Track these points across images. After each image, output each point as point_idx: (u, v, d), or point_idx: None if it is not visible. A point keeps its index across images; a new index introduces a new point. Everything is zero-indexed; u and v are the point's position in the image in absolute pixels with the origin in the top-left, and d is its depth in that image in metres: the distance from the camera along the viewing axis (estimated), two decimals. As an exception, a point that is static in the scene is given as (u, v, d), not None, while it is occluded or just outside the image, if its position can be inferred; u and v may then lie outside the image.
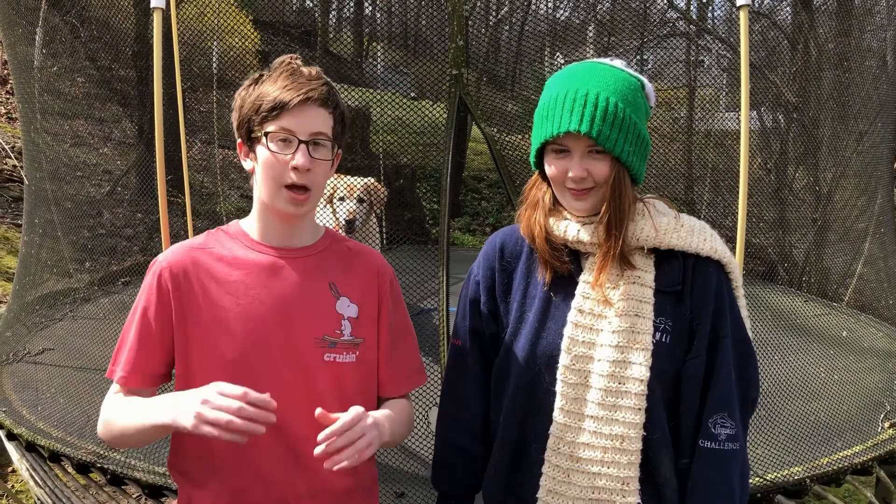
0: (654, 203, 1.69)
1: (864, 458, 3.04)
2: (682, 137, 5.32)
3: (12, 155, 7.42)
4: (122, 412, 1.61)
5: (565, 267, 1.65)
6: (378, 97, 4.71)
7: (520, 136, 3.51)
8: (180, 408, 1.45)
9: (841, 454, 3.06)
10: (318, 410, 1.48)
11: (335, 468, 1.45)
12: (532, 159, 1.70)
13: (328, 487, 1.70)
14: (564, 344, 1.62)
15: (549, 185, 1.68)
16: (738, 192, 2.93)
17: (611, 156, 1.57)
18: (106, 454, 3.06)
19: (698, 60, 5.42)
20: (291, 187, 1.60)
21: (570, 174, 1.58)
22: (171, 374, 1.64)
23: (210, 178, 4.82)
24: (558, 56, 4.53)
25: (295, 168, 1.58)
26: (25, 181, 4.76)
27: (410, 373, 1.79)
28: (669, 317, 1.60)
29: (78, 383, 3.53)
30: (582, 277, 1.64)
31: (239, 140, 1.66)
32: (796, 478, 2.88)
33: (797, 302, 4.75)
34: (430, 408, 2.89)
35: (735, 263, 1.66)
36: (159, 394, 1.68)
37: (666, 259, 1.62)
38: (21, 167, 5.04)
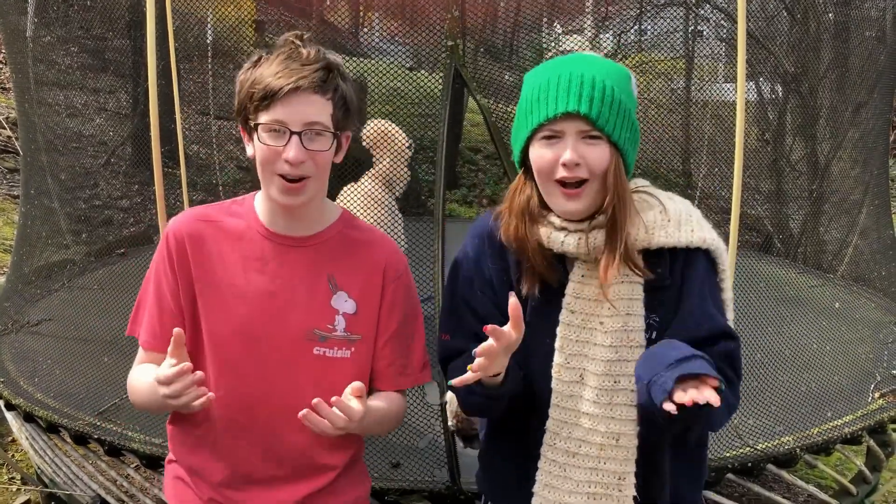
0: (637, 192, 1.64)
1: (855, 428, 3.07)
2: (680, 108, 5.30)
3: (7, 126, 7.38)
4: (139, 387, 1.67)
5: (555, 278, 1.62)
6: (374, 66, 4.68)
7: (515, 108, 3.48)
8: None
9: (831, 424, 3.10)
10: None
11: (301, 415, 1.49)
12: (516, 157, 1.63)
13: (307, 475, 1.71)
14: (558, 343, 1.62)
15: (533, 188, 1.61)
16: (735, 163, 2.93)
17: (606, 142, 1.52)
18: (103, 425, 3.08)
19: (697, 30, 5.38)
20: (285, 177, 1.56)
21: (561, 160, 1.51)
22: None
23: (206, 150, 4.81)
24: (556, 25, 4.50)
25: (287, 161, 1.53)
26: (20, 152, 4.75)
27: (410, 370, 1.76)
28: (657, 312, 1.60)
29: (75, 355, 3.55)
30: (571, 277, 1.62)
31: (240, 126, 1.62)
32: (787, 448, 2.91)
33: (791, 273, 4.77)
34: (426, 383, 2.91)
35: (723, 248, 1.63)
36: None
37: (653, 253, 1.60)
38: (16, 138, 5.02)
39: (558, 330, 1.62)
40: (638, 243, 1.58)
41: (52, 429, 3.23)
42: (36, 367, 3.65)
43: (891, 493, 4.38)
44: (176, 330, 1.47)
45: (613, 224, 1.55)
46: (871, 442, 3.24)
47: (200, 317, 1.64)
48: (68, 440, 3.24)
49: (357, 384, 1.53)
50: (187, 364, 1.45)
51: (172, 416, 1.77)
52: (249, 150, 1.63)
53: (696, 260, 1.60)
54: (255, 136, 1.57)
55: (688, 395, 1.35)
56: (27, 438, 3.56)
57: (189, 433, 1.74)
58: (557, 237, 1.59)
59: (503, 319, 1.52)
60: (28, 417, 3.33)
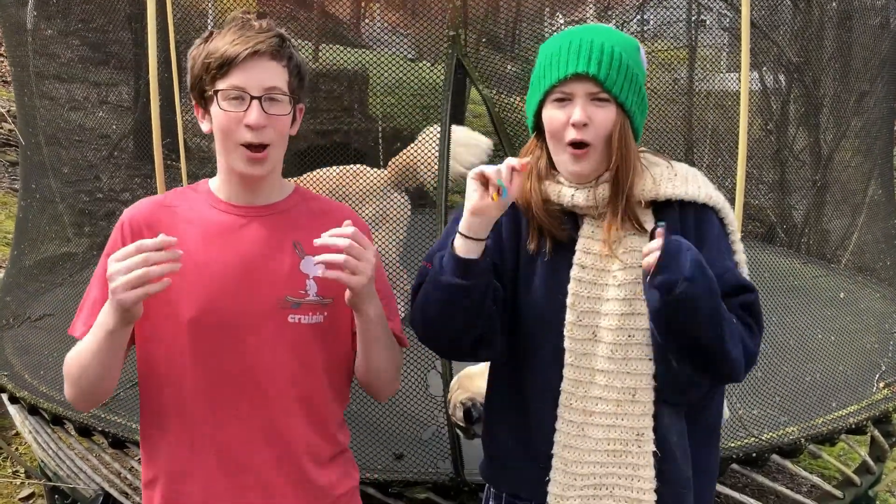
0: (645, 155, 1.69)
1: (859, 418, 3.07)
2: (683, 98, 5.28)
3: (9, 119, 7.37)
4: (76, 350, 1.61)
5: (565, 234, 1.64)
6: (376, 58, 4.66)
7: (518, 98, 3.47)
8: (106, 307, 1.47)
9: (836, 414, 3.09)
10: (347, 221, 1.52)
11: (318, 261, 1.49)
12: (529, 121, 1.68)
13: (293, 453, 1.67)
14: (569, 300, 1.62)
15: (544, 150, 1.66)
16: (738, 154, 2.92)
17: (615, 104, 1.57)
18: (107, 417, 3.08)
19: (699, 20, 5.36)
20: (248, 146, 1.56)
21: (572, 119, 1.56)
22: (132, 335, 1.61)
23: (207, 142, 4.80)
24: (559, 16, 4.48)
25: (249, 126, 1.53)
26: (22, 142, 4.74)
27: (394, 328, 1.75)
28: None
29: (78, 347, 3.54)
30: (581, 233, 1.64)
31: (195, 102, 1.61)
32: (791, 437, 2.91)
33: (796, 263, 4.76)
34: (427, 371, 2.91)
35: (729, 208, 1.66)
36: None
37: (661, 208, 1.62)
38: (17, 130, 5.02)
39: (570, 287, 1.63)
40: (646, 193, 1.61)
41: (56, 421, 3.24)
42: (40, 361, 3.65)
43: (894, 482, 4.38)
44: (160, 235, 1.45)
45: (616, 179, 1.59)
46: (876, 432, 3.23)
47: (166, 302, 1.59)
48: (72, 432, 3.24)
49: (347, 222, 1.53)
50: (172, 239, 1.43)
51: (146, 422, 1.72)
52: (205, 126, 1.63)
53: (708, 218, 1.63)
54: (214, 106, 1.57)
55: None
56: (30, 432, 3.56)
57: (169, 432, 1.68)
58: (567, 192, 1.63)
59: (501, 265, 1.64)
60: (32, 410, 3.34)
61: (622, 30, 4.86)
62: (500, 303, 1.65)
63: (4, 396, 3.56)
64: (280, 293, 1.63)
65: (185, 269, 1.55)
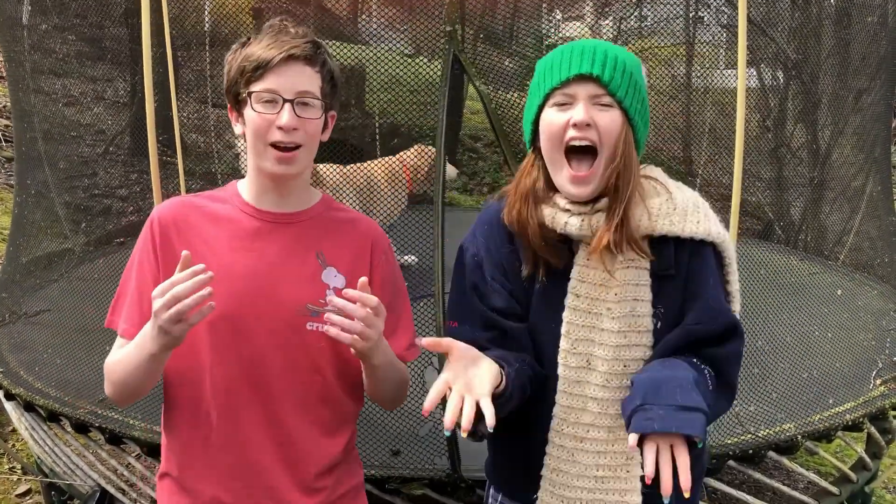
0: (646, 178, 1.64)
1: (856, 415, 3.07)
2: (681, 95, 5.28)
3: (4, 114, 7.35)
4: (119, 358, 1.62)
5: (560, 261, 1.61)
6: (373, 54, 4.65)
7: (516, 95, 3.47)
8: (150, 332, 1.49)
9: (833, 411, 3.09)
10: (363, 279, 1.53)
11: (325, 328, 1.51)
12: (527, 134, 1.63)
13: (303, 456, 1.70)
14: (564, 329, 1.61)
15: (541, 170, 1.62)
16: (735, 150, 2.92)
17: (618, 109, 1.53)
18: (104, 413, 3.08)
19: (697, 16, 5.35)
20: (277, 146, 1.58)
21: (573, 119, 1.51)
22: None
23: (204, 138, 4.78)
24: (556, 12, 4.47)
25: (280, 128, 1.56)
26: (17, 140, 4.73)
27: (406, 344, 1.77)
28: (662, 303, 1.59)
29: (74, 344, 3.54)
30: (576, 261, 1.61)
31: (229, 105, 1.64)
32: (788, 434, 2.91)
33: (793, 260, 4.75)
34: (425, 367, 2.91)
35: (728, 242, 1.63)
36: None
37: (657, 242, 1.59)
38: (12, 127, 5.00)
39: (564, 315, 1.61)
40: (641, 229, 1.57)
41: (52, 417, 3.23)
42: (35, 357, 3.64)
43: (891, 479, 4.39)
44: (185, 252, 1.47)
45: (616, 191, 1.55)
46: (872, 429, 3.24)
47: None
48: (68, 429, 3.24)
49: (362, 279, 1.54)
50: (200, 266, 1.45)
51: (167, 415, 1.76)
52: (238, 129, 1.66)
53: (705, 253, 1.60)
54: (247, 108, 1.60)
55: (648, 467, 1.38)
56: (27, 428, 3.55)
57: (185, 428, 1.71)
58: (562, 218, 1.59)
59: (513, 304, 1.59)
60: (28, 407, 3.33)
61: (620, 25, 4.86)
62: (530, 354, 1.64)
63: (0, 393, 3.55)
64: (301, 301, 1.65)
65: (211, 270, 1.57)
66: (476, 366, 1.45)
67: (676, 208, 1.58)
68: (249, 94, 1.58)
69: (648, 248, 1.58)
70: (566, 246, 1.63)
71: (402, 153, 4.62)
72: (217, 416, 1.67)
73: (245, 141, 1.65)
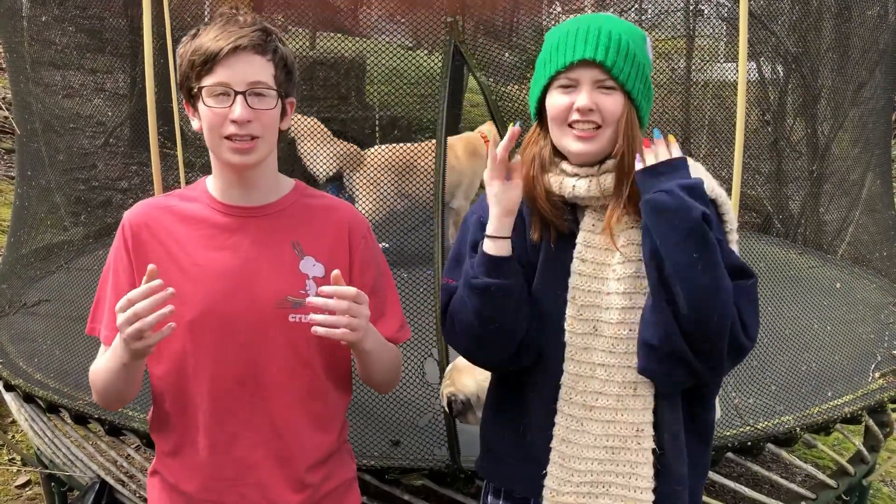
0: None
1: (854, 408, 3.07)
2: (681, 88, 5.27)
3: (3, 106, 7.34)
4: (99, 367, 1.63)
5: (566, 226, 1.63)
6: (373, 46, 4.64)
7: (516, 87, 3.46)
8: (118, 343, 1.49)
9: (831, 403, 3.10)
10: (336, 272, 1.50)
11: (314, 329, 1.48)
12: (532, 107, 1.66)
13: (293, 450, 1.69)
14: (570, 294, 1.61)
15: (547, 139, 1.64)
16: (735, 144, 2.92)
17: (621, 92, 1.56)
18: (103, 404, 3.08)
19: (697, 9, 5.33)
20: (232, 138, 1.55)
21: (577, 105, 1.54)
22: None
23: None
24: (556, 5, 4.46)
25: (234, 121, 1.52)
26: (17, 131, 4.72)
27: (395, 326, 1.76)
28: None
29: (74, 335, 3.54)
30: (582, 226, 1.63)
31: (184, 100, 1.60)
32: (787, 427, 2.92)
33: (791, 254, 4.76)
34: (424, 359, 2.91)
35: (729, 204, 1.65)
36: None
37: None
38: (12, 118, 5.00)
39: (570, 280, 1.62)
40: None
41: (51, 409, 3.23)
42: (35, 348, 3.64)
43: (888, 472, 4.40)
44: (150, 266, 1.46)
45: (622, 169, 1.58)
46: (871, 421, 3.24)
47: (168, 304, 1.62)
48: (68, 420, 3.24)
49: (335, 272, 1.53)
50: (158, 281, 1.43)
51: (154, 417, 1.75)
52: (196, 123, 1.62)
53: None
54: (200, 103, 1.57)
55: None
56: (26, 419, 3.56)
57: (173, 430, 1.71)
58: (568, 183, 1.61)
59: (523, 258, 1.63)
60: (27, 398, 3.33)
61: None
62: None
63: (0, 384, 3.56)
64: (281, 294, 1.63)
65: (185, 271, 1.59)
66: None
67: None
68: (200, 88, 1.54)
69: None
70: (571, 214, 1.65)
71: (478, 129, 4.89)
72: (204, 415, 1.66)
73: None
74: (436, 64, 3.19)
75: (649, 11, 5.06)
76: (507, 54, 3.50)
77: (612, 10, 4.80)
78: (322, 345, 1.66)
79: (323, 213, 1.72)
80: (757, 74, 5.10)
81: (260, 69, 1.56)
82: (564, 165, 1.64)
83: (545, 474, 1.67)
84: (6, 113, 7.17)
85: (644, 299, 1.58)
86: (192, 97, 1.59)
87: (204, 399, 1.65)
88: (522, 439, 1.72)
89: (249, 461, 1.68)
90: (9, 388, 3.44)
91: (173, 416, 1.69)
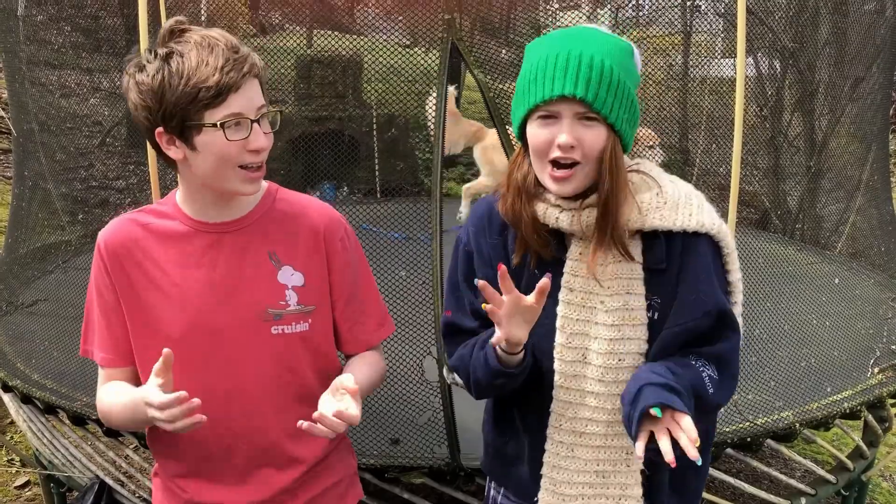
0: (637, 173, 1.62)
1: (853, 403, 3.07)
2: (678, 84, 5.26)
3: (0, 106, 7.32)
4: (113, 411, 1.65)
5: (550, 254, 1.61)
6: (370, 44, 4.64)
7: (513, 84, 3.46)
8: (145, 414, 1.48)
9: (830, 399, 3.10)
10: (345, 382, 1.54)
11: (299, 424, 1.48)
12: (515, 130, 1.61)
13: (287, 458, 1.71)
14: (559, 323, 1.60)
15: (530, 164, 1.60)
16: (733, 140, 2.91)
17: (603, 123, 1.49)
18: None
19: (695, 5, 5.33)
20: (247, 167, 1.52)
21: (558, 142, 1.49)
22: None
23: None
24: (553, 2, 4.45)
25: (255, 150, 1.50)
26: (13, 132, 4.71)
27: (375, 326, 1.75)
28: (657, 294, 1.57)
29: (71, 335, 3.53)
30: (569, 255, 1.60)
31: (159, 129, 1.50)
32: (786, 422, 2.92)
33: (790, 250, 4.76)
34: (423, 356, 2.91)
35: (725, 231, 1.60)
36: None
37: (649, 236, 1.58)
38: (9, 118, 4.98)
39: (558, 309, 1.61)
40: (631, 224, 1.56)
41: (49, 410, 3.23)
42: (33, 349, 3.63)
43: (887, 468, 4.40)
44: (165, 350, 1.44)
45: (606, 207, 1.53)
46: (870, 417, 3.24)
47: (151, 324, 1.62)
48: (66, 421, 3.23)
49: (350, 383, 1.52)
50: (183, 393, 1.42)
51: (150, 432, 1.76)
52: (175, 153, 1.54)
53: (697, 245, 1.57)
54: (205, 134, 1.50)
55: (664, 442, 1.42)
56: (25, 420, 3.55)
57: (164, 443, 1.73)
58: (552, 213, 1.58)
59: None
60: (25, 399, 3.32)
61: (617, 14, 4.84)
62: None
63: (-2, 385, 3.55)
64: (260, 306, 1.62)
65: (164, 291, 1.59)
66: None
67: (667, 202, 1.57)
68: (220, 124, 1.48)
69: (641, 242, 1.58)
70: (558, 239, 1.62)
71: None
72: (198, 432, 1.66)
73: (186, 166, 1.55)
74: (433, 61, 3.19)
75: (646, 7, 5.05)
76: (503, 51, 3.50)
77: (608, 6, 4.80)
78: (307, 349, 1.67)
79: (296, 220, 1.69)
80: (754, 70, 5.10)
81: (259, 92, 1.54)
82: (548, 195, 1.60)
83: (536, 501, 1.68)
84: (2, 113, 7.16)
85: (634, 331, 1.57)
86: (184, 129, 1.50)
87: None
88: (524, 453, 1.72)
89: (247, 468, 1.69)
90: (7, 388, 3.44)
91: (166, 433, 1.68)
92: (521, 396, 1.69)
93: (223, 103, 1.47)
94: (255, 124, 1.51)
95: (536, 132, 1.53)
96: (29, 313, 3.98)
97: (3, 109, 7.18)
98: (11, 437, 4.37)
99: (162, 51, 1.49)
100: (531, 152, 1.57)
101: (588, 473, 1.63)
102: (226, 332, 1.62)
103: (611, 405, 1.59)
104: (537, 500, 1.68)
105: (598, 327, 1.59)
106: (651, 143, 3.52)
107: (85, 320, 1.72)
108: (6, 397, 3.61)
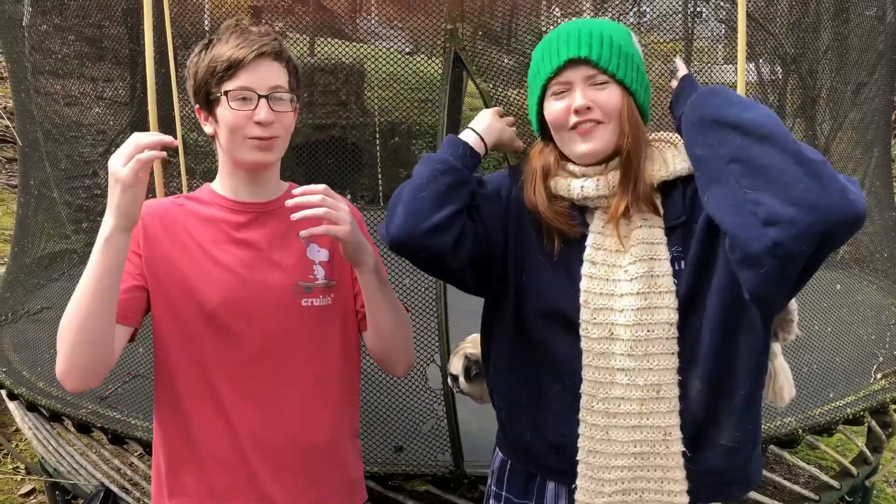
0: (660, 141, 1.66)
1: (857, 409, 3.08)
2: (680, 91, 5.26)
3: (5, 115, 7.35)
4: (66, 310, 1.64)
5: (576, 230, 1.61)
6: (372, 52, 4.66)
7: (515, 92, 3.48)
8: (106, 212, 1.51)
9: (833, 405, 3.10)
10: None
11: (300, 234, 1.57)
12: (534, 122, 1.66)
13: (313, 434, 1.74)
14: (582, 298, 1.57)
15: (552, 147, 1.64)
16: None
17: (615, 84, 1.55)
18: (106, 413, 3.09)
19: (696, 12, 5.35)
20: (255, 138, 1.64)
21: (573, 106, 1.54)
22: (139, 319, 1.67)
23: (204, 137, 4.77)
24: (555, 9, 4.47)
25: (259, 122, 1.62)
26: (19, 142, 4.73)
27: None
28: (680, 245, 1.56)
29: (77, 343, 3.54)
30: (591, 228, 1.61)
31: (197, 106, 1.69)
32: (789, 428, 2.92)
33: (792, 255, 4.75)
34: (427, 364, 2.92)
35: None
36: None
37: (666, 191, 1.59)
38: (14, 128, 5.01)
39: (581, 284, 1.58)
40: (657, 174, 1.58)
41: (55, 417, 3.24)
42: (38, 356, 3.65)
43: (891, 473, 4.40)
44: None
45: (628, 164, 1.56)
46: (873, 422, 3.24)
47: (186, 294, 1.67)
48: (71, 429, 3.25)
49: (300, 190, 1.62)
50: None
51: (159, 414, 1.76)
52: (209, 129, 1.71)
53: None
54: (220, 106, 1.64)
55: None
56: (30, 428, 3.56)
57: (187, 422, 1.72)
58: (577, 184, 1.60)
59: (493, 222, 1.65)
60: (31, 407, 3.34)
61: (619, 21, 4.85)
62: (475, 234, 1.65)
63: (3, 393, 3.56)
64: (293, 280, 1.72)
65: (201, 265, 1.67)
66: None
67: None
68: (225, 92, 1.63)
69: (661, 199, 1.59)
70: (580, 218, 1.63)
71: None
72: (224, 404, 1.69)
73: (217, 140, 1.70)
74: (435, 69, 3.20)
75: (648, 14, 5.07)
76: (505, 59, 3.51)
77: (610, 14, 4.81)
78: (332, 326, 1.74)
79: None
80: (756, 76, 5.11)
81: (279, 74, 1.66)
82: (571, 167, 1.62)
83: (575, 488, 1.62)
84: (7, 122, 7.19)
85: (659, 298, 1.53)
86: (209, 102, 1.67)
87: (222, 387, 1.68)
88: (550, 439, 1.67)
89: (270, 446, 1.72)
90: (12, 396, 3.45)
91: (190, 408, 1.70)
92: (551, 379, 1.64)
93: (234, 76, 1.62)
94: (264, 100, 1.62)
95: (553, 106, 1.59)
96: (34, 321, 3.99)
97: (9, 119, 7.22)
98: (17, 445, 4.38)
99: (210, 39, 1.68)
100: (552, 129, 1.61)
101: (626, 456, 1.57)
102: (259, 306, 1.69)
103: (642, 381, 1.54)
104: (575, 487, 1.63)
105: (623, 299, 1.55)
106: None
107: None
108: (12, 405, 3.62)
